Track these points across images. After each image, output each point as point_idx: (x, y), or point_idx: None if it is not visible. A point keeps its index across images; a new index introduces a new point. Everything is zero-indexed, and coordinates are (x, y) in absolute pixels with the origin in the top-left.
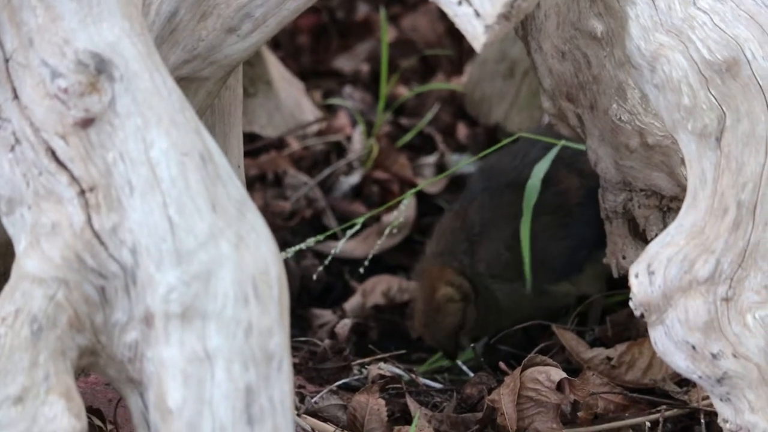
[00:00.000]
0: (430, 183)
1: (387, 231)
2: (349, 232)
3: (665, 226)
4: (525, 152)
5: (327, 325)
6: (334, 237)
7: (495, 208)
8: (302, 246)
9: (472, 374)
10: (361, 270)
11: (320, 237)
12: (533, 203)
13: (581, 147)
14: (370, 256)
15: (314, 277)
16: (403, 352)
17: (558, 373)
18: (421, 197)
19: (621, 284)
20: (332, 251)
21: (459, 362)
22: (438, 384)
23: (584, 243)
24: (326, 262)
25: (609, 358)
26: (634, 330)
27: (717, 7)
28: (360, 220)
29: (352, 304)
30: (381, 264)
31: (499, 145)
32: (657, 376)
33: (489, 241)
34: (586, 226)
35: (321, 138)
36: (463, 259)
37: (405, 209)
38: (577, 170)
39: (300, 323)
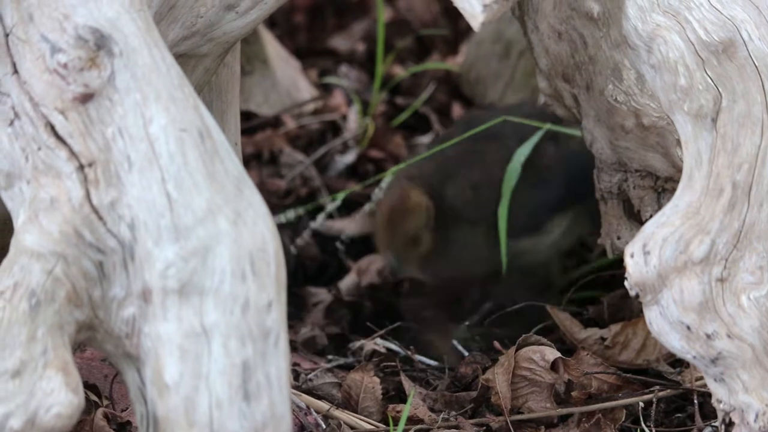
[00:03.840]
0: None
1: (366, 208)
2: (330, 206)
3: (660, 207)
4: (510, 113)
5: (322, 303)
6: (330, 216)
7: (471, 151)
8: (290, 214)
9: (466, 353)
10: (341, 244)
11: (301, 210)
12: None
13: (564, 129)
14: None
15: (297, 242)
16: (398, 324)
17: (552, 353)
18: None
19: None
20: (338, 237)
21: (454, 341)
22: (433, 361)
23: (546, 204)
24: (305, 235)
25: (603, 339)
26: (628, 310)
27: None
28: (341, 195)
29: (346, 283)
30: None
31: (486, 125)
32: (651, 356)
33: (458, 179)
34: (552, 189)
35: (317, 117)
36: (433, 186)
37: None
38: (555, 137)
39: (295, 301)
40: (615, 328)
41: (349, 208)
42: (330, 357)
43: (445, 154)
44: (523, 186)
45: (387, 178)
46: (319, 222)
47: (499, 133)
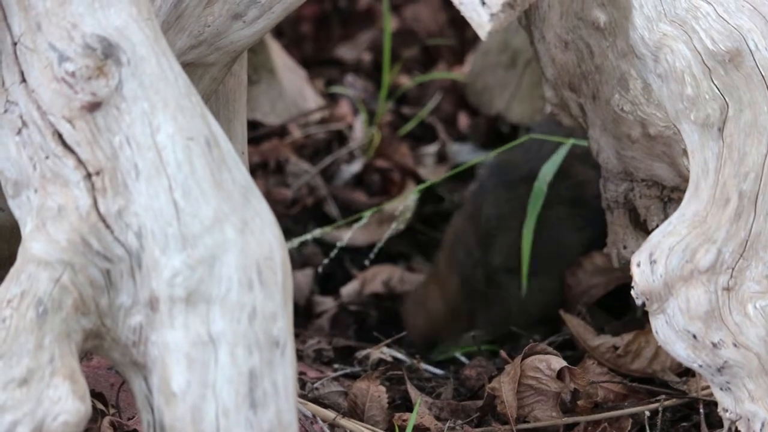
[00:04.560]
0: (433, 173)
1: (393, 226)
2: (356, 225)
3: (666, 216)
4: (537, 147)
5: (328, 312)
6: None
7: (510, 200)
8: (307, 237)
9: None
10: (366, 262)
11: (328, 229)
12: (543, 200)
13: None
14: (376, 250)
15: (319, 269)
16: (403, 334)
17: (558, 362)
18: (419, 181)
19: None
20: (337, 243)
21: (457, 354)
22: (439, 370)
23: (601, 234)
24: (332, 255)
25: (615, 347)
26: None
27: None
28: (367, 213)
29: (348, 290)
30: (382, 253)
31: (512, 144)
32: (663, 365)
33: (505, 234)
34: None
35: (323, 126)
36: (475, 254)
37: (410, 203)
38: (591, 164)
39: (302, 310)
40: (627, 336)
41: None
42: (336, 366)
43: (483, 210)
44: (571, 216)
45: (414, 195)
46: (345, 241)
47: (534, 172)
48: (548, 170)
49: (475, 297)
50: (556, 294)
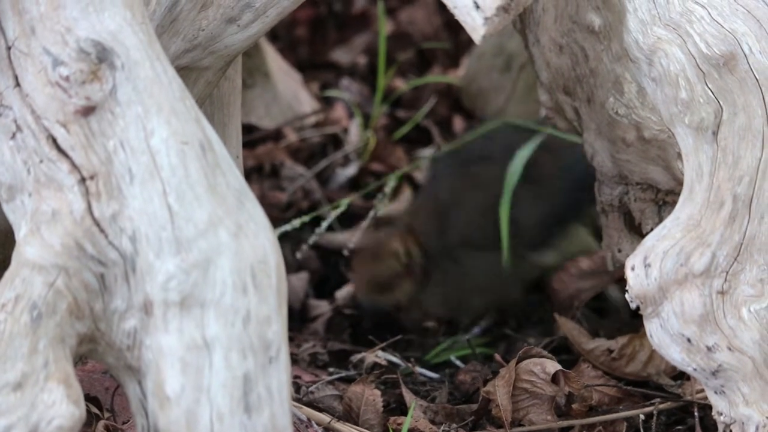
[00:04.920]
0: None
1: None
2: (338, 211)
3: (661, 219)
4: (491, 131)
5: (323, 316)
6: (332, 229)
7: (464, 178)
8: (289, 227)
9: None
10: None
11: (312, 215)
12: (515, 181)
13: (545, 130)
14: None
15: (298, 255)
16: (399, 337)
17: (553, 366)
18: (417, 188)
19: None
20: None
21: (452, 357)
22: (434, 374)
23: (554, 217)
24: (310, 242)
25: (610, 350)
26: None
27: (715, 1)
28: (345, 201)
29: (343, 293)
30: None
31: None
32: (658, 369)
33: (460, 210)
34: (557, 201)
35: (318, 130)
36: (432, 234)
37: (389, 191)
38: (549, 149)
39: (296, 314)
40: (622, 340)
41: (350, 220)
42: (331, 369)
43: (439, 196)
44: (527, 199)
45: (391, 183)
46: (321, 231)
47: (487, 151)
48: (524, 154)
49: (431, 261)
50: (511, 269)
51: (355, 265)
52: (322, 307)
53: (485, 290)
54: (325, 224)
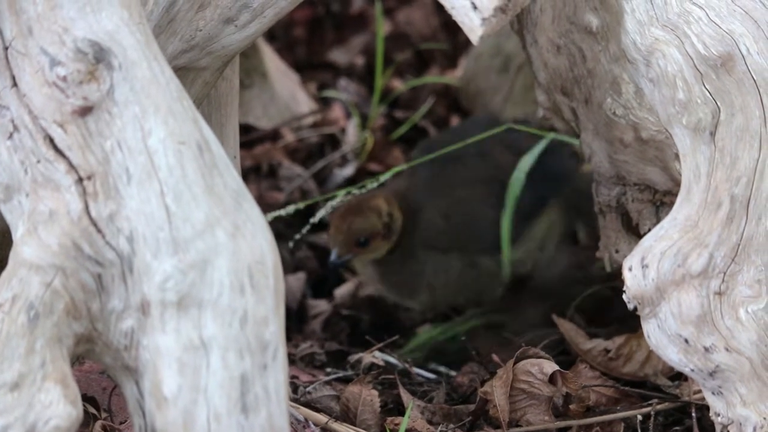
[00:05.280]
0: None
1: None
2: (335, 202)
3: (658, 220)
4: (465, 130)
5: (320, 315)
6: (327, 224)
7: (435, 178)
8: (290, 209)
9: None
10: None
11: (308, 202)
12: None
13: (523, 128)
14: None
15: (290, 244)
16: (396, 338)
17: (551, 366)
18: None
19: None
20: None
21: (441, 368)
22: (431, 375)
23: (521, 210)
24: (303, 231)
25: (607, 350)
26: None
27: (712, 2)
28: (341, 193)
29: (342, 291)
30: None
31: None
32: (655, 369)
33: (424, 211)
34: (522, 194)
35: (316, 130)
36: (409, 205)
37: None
38: (514, 149)
39: (294, 314)
40: (619, 340)
41: None
42: (328, 370)
43: (414, 181)
44: (488, 196)
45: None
46: (317, 218)
47: (458, 152)
48: (527, 161)
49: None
50: (469, 270)
51: (334, 217)
52: (319, 307)
53: (442, 293)
54: (318, 215)
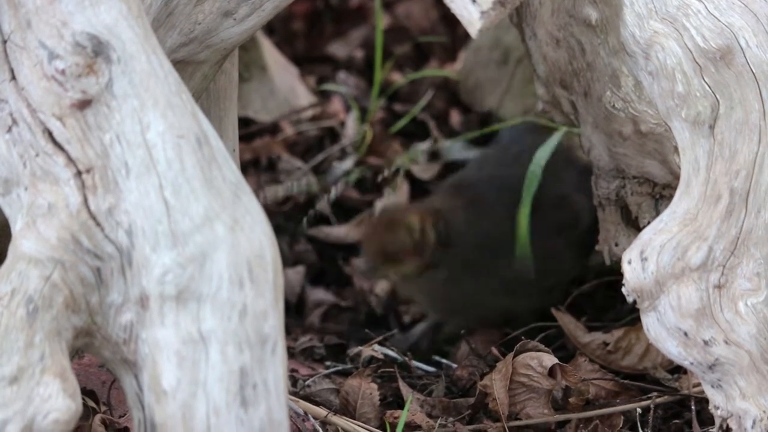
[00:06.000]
0: (425, 170)
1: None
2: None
3: (657, 213)
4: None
5: (319, 309)
6: (327, 222)
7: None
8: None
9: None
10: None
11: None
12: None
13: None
14: None
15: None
16: (395, 332)
17: (550, 359)
18: (414, 183)
19: None
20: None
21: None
22: (431, 368)
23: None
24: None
25: (606, 344)
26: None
27: None
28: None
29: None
30: None
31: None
32: (653, 362)
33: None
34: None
35: (315, 123)
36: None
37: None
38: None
39: (293, 307)
40: (618, 333)
41: (346, 213)
42: (328, 363)
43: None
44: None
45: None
46: (322, 205)
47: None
48: (543, 155)
49: (440, 254)
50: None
51: (368, 230)
52: (319, 301)
53: (467, 314)
54: (318, 206)
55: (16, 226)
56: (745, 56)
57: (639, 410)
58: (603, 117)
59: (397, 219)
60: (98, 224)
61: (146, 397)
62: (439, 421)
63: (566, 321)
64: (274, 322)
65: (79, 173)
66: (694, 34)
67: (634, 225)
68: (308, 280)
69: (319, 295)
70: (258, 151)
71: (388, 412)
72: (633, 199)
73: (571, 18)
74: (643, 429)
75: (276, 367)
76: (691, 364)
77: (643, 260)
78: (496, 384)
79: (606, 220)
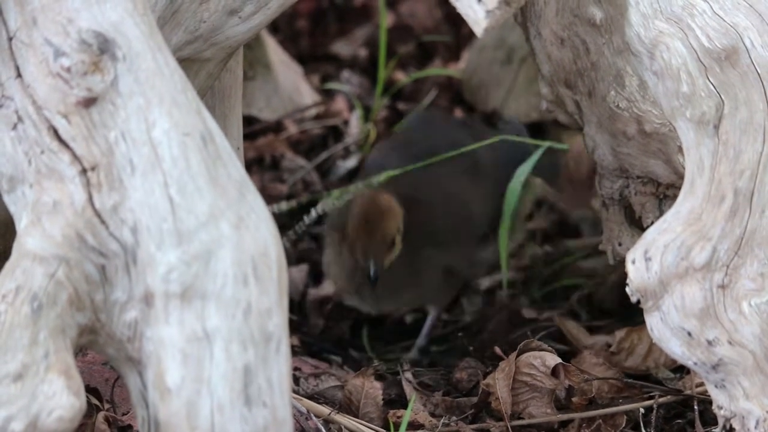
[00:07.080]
0: None
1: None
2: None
3: (661, 213)
4: (435, 124)
5: (323, 307)
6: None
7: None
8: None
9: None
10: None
11: (307, 198)
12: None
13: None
14: None
15: (291, 234)
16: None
17: (553, 359)
18: None
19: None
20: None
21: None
22: (434, 368)
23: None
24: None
25: (608, 345)
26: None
27: None
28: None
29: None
30: None
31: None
32: (657, 362)
33: (420, 206)
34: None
35: (318, 122)
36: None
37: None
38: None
39: (296, 305)
40: (620, 334)
41: None
42: (331, 362)
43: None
44: (474, 195)
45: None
46: (315, 214)
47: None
48: (524, 171)
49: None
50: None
51: (359, 223)
52: (322, 299)
53: (429, 291)
54: (317, 208)
55: (21, 224)
56: (750, 56)
57: (642, 410)
58: (607, 117)
59: (380, 207)
60: (103, 222)
61: (150, 395)
62: (442, 420)
63: (569, 326)
64: (279, 320)
65: (84, 171)
66: (699, 34)
67: (638, 225)
68: (312, 279)
69: (323, 293)
70: (262, 150)
71: (392, 411)
72: (637, 199)
73: (576, 17)
74: (646, 429)
75: (280, 365)
76: (695, 364)
77: (647, 260)
78: (499, 383)
79: (610, 219)
